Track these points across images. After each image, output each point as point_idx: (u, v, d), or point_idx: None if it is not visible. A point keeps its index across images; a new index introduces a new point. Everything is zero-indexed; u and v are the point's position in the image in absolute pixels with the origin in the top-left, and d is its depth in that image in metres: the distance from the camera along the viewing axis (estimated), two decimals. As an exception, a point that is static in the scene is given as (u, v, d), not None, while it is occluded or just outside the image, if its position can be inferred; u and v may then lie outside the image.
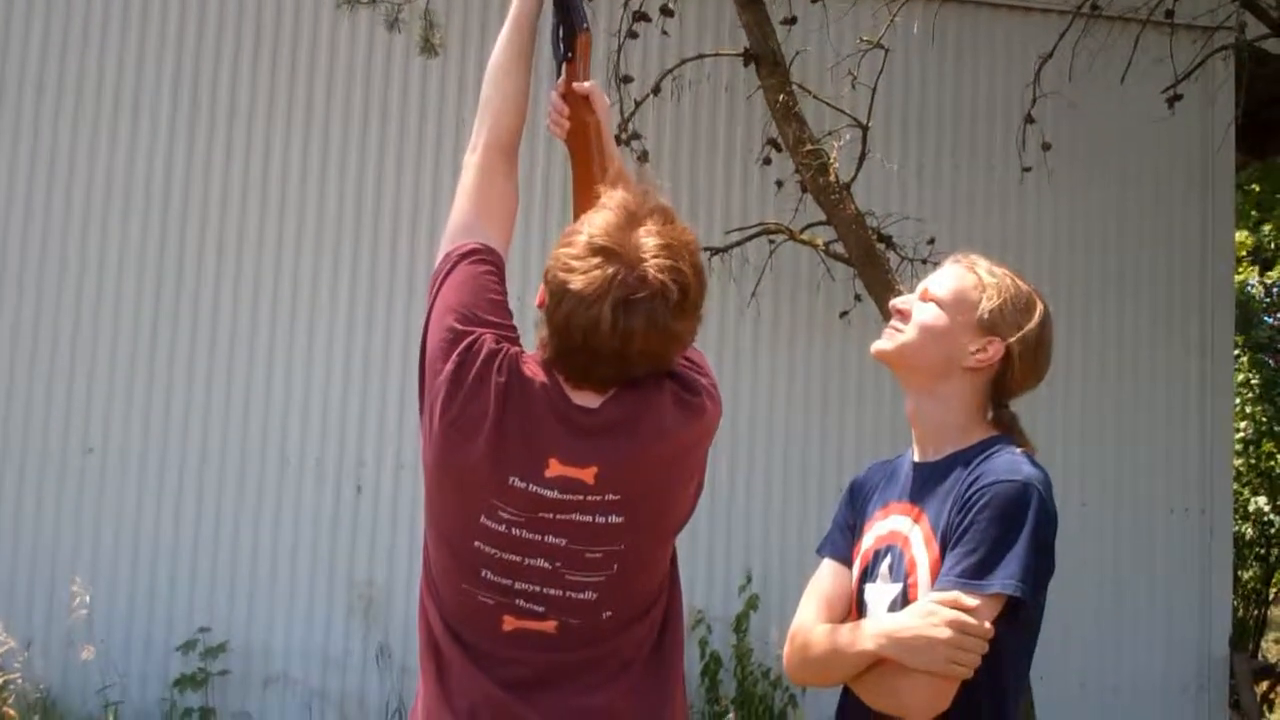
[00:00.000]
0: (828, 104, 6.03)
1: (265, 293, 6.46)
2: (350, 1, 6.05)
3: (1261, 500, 10.62)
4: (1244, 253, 12.02)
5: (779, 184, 6.57)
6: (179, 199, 6.43)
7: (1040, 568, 1.94)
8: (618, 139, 5.52)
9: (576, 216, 1.98)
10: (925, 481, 2.07)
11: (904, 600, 2.00)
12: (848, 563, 2.15)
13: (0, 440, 6.20)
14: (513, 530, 1.84)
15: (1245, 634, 9.89)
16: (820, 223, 6.09)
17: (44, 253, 6.34)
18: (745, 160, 6.75)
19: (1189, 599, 6.99)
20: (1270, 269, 12.84)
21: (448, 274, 1.97)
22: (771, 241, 6.55)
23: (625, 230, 1.81)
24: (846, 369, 6.71)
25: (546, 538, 1.84)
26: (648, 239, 1.81)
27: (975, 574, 1.91)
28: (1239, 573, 9.79)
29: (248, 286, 6.45)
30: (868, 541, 2.13)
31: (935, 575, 1.97)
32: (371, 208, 6.58)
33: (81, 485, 6.22)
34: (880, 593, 2.06)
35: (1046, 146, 6.28)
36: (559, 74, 2.18)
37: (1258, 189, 10.81)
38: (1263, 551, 10.73)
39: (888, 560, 2.06)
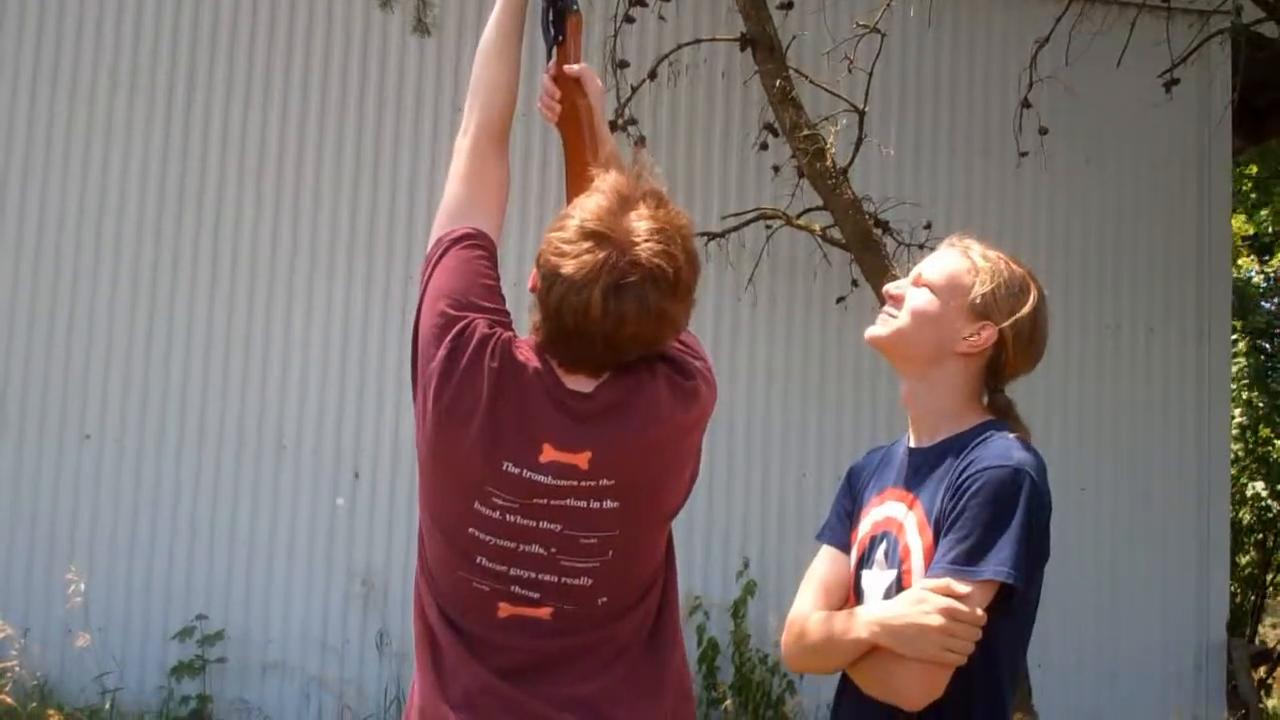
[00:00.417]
0: (824, 89, 6.01)
1: (260, 278, 6.45)
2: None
3: (1259, 485, 10.63)
4: (1241, 239, 12.01)
5: (776, 169, 6.56)
6: (175, 183, 6.42)
7: (1033, 554, 1.93)
8: (614, 124, 5.51)
9: (569, 200, 1.97)
10: (919, 467, 2.07)
11: (899, 587, 2.00)
12: (846, 549, 2.15)
13: (-4, 428, 6.21)
14: (507, 516, 1.84)
15: (1242, 619, 9.91)
16: (817, 208, 6.09)
17: (39, 242, 6.33)
18: (742, 145, 6.73)
19: (1186, 584, 7.00)
20: (1269, 254, 12.83)
21: (439, 259, 1.96)
22: (768, 227, 6.55)
23: (617, 214, 1.80)
24: (843, 354, 6.71)
25: (541, 524, 1.83)
26: (640, 223, 1.80)
27: (967, 560, 1.90)
28: (1236, 558, 9.81)
29: (243, 272, 6.44)
30: (864, 527, 2.13)
31: (929, 561, 1.96)
32: (368, 191, 6.57)
33: (78, 472, 6.22)
34: (876, 579, 2.06)
35: (1043, 130, 6.28)
36: (550, 57, 2.16)
37: (1255, 169, 10.80)
38: (1260, 537, 10.75)
39: (883, 546, 2.06)
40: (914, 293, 2.10)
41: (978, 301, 2.05)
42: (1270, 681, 8.97)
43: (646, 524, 1.90)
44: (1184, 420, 7.10)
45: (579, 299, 1.77)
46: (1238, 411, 10.65)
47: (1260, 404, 10.89)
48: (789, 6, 5.99)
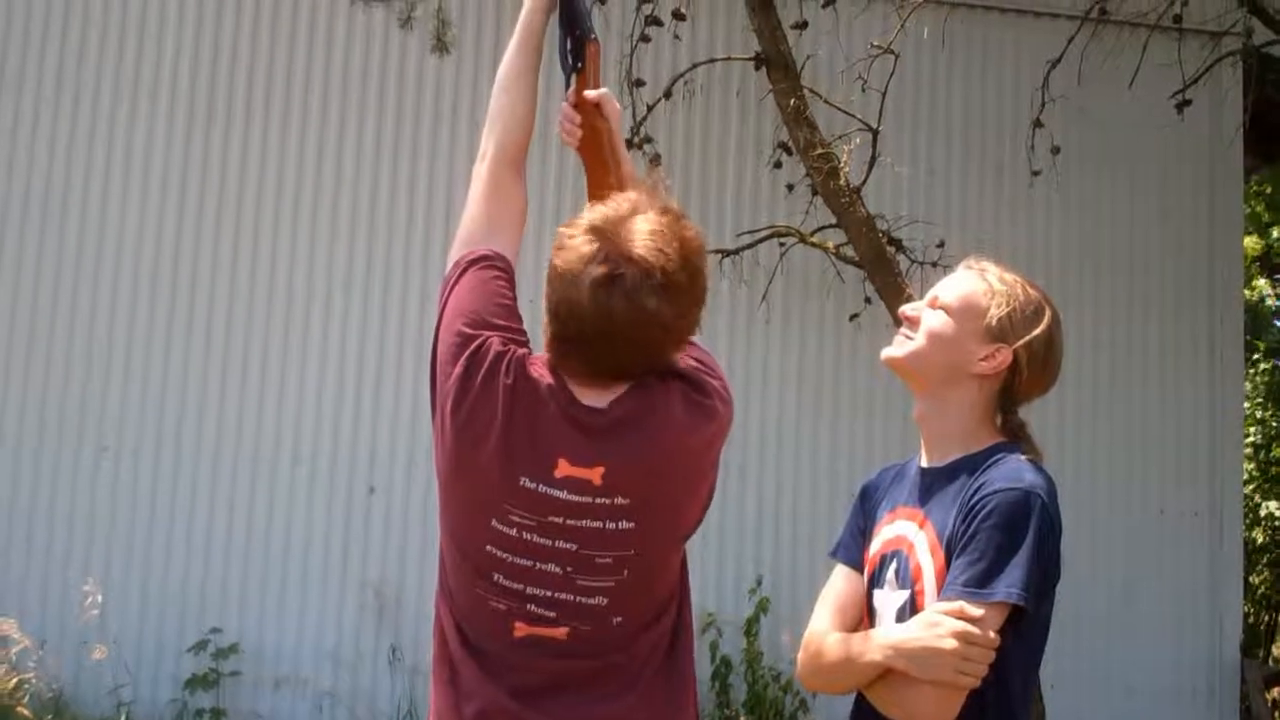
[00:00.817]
0: (838, 108, 6.03)
1: (279, 293, 6.49)
2: (364, -1, 6.11)
3: (1273, 505, 10.58)
4: (1252, 256, 11.98)
5: (790, 187, 6.58)
6: (194, 201, 6.48)
7: (1044, 575, 1.95)
8: (630, 143, 5.54)
9: None
10: (931, 487, 2.08)
11: (912, 607, 2.01)
12: (860, 567, 2.16)
13: (15, 440, 6.25)
14: (524, 535, 1.85)
15: (1256, 640, 9.85)
16: (831, 226, 6.10)
17: (60, 255, 6.39)
18: (756, 163, 6.76)
19: (1200, 605, 6.97)
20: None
21: (457, 280, 1.98)
22: (782, 244, 6.57)
23: (625, 219, 1.84)
24: (857, 371, 6.72)
25: (557, 542, 1.85)
26: (642, 225, 1.83)
27: (979, 583, 1.92)
28: (1250, 578, 9.76)
29: (261, 287, 6.48)
30: (875, 546, 2.14)
31: (940, 582, 1.97)
32: (385, 207, 6.62)
33: (95, 485, 6.25)
34: (888, 599, 2.07)
35: (1056, 150, 6.29)
36: (569, 85, 2.19)
37: (1269, 190, 10.78)
38: (1274, 557, 10.69)
39: (894, 566, 2.08)
40: (930, 314, 2.11)
41: (993, 324, 2.06)
42: (1284, 702, 8.92)
43: (662, 543, 1.91)
44: (1196, 439, 7.08)
45: (569, 292, 1.80)
46: (1251, 430, 10.63)
47: (1274, 423, 10.85)
48: (804, 26, 6.02)
